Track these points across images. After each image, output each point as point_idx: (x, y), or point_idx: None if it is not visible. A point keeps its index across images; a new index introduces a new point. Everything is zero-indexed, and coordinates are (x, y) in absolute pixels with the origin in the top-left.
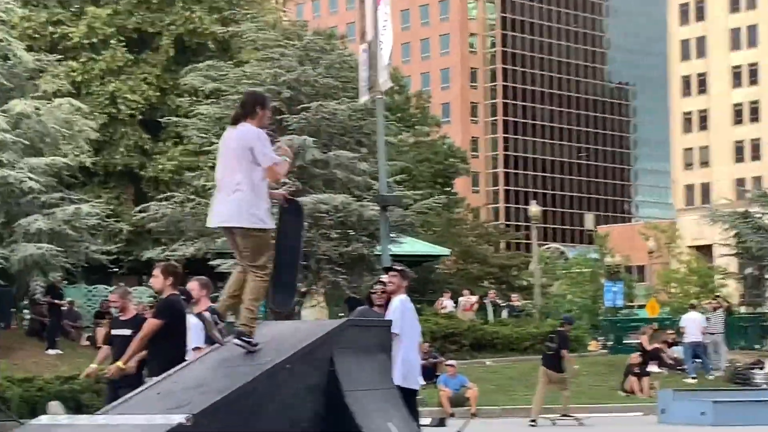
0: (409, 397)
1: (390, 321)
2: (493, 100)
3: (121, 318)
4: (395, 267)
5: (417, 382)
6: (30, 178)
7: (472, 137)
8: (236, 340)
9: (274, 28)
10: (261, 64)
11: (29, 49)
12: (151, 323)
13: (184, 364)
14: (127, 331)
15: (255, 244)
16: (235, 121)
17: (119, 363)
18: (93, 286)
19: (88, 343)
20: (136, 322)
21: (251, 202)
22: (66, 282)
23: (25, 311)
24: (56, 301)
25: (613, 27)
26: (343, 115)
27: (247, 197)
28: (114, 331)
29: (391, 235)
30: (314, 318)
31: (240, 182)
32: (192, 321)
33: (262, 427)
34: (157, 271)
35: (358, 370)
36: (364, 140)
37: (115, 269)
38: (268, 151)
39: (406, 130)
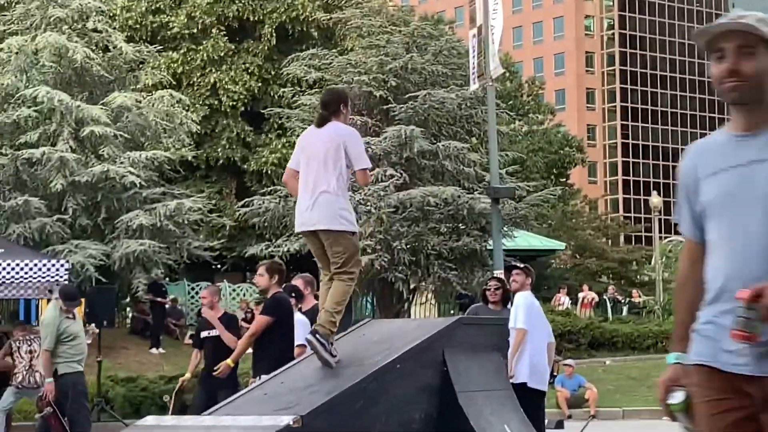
0: (536, 398)
1: (504, 319)
2: (611, 86)
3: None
4: (518, 265)
5: (544, 382)
6: (131, 173)
7: (589, 125)
8: (310, 336)
9: (380, 14)
10: (366, 51)
11: (129, 39)
12: (261, 320)
13: (291, 363)
14: (215, 332)
15: (345, 247)
16: (322, 122)
17: (229, 361)
18: (196, 283)
19: (191, 341)
20: (224, 321)
21: (341, 205)
22: (168, 279)
23: (128, 309)
24: (159, 298)
25: (739, 4)
26: (452, 104)
27: (337, 199)
28: (203, 333)
29: (504, 228)
30: (424, 316)
31: (330, 184)
32: (298, 318)
33: (371, 428)
34: (262, 270)
35: (472, 370)
36: (474, 130)
37: (217, 266)
38: (364, 153)
39: (519, 118)
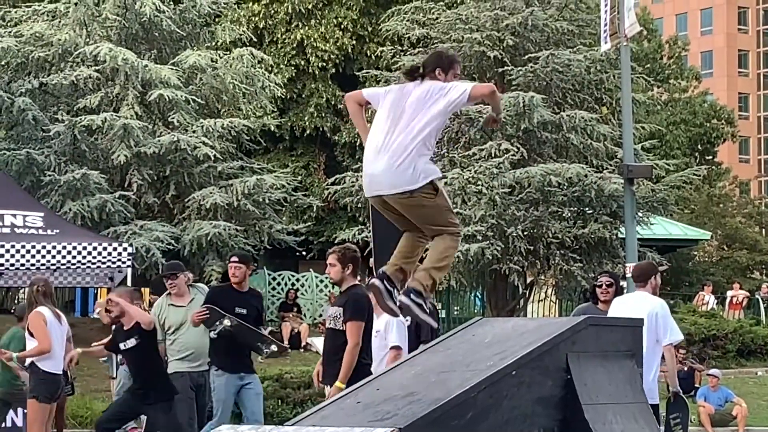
0: None
1: (641, 321)
2: None
3: (125, 327)
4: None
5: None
6: (204, 144)
7: (741, 93)
8: (403, 297)
9: None
10: (479, 5)
11: None
12: (356, 328)
13: (389, 367)
14: (132, 342)
15: (436, 203)
16: (412, 75)
17: (338, 383)
18: (277, 272)
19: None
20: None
21: (426, 161)
22: None
23: None
24: None
25: None
26: (579, 67)
27: (423, 158)
28: (121, 345)
29: (638, 214)
30: (543, 314)
31: (417, 141)
32: (394, 319)
33: None
34: (332, 259)
35: (600, 380)
36: (605, 98)
37: (302, 252)
38: (460, 84)
39: (658, 85)
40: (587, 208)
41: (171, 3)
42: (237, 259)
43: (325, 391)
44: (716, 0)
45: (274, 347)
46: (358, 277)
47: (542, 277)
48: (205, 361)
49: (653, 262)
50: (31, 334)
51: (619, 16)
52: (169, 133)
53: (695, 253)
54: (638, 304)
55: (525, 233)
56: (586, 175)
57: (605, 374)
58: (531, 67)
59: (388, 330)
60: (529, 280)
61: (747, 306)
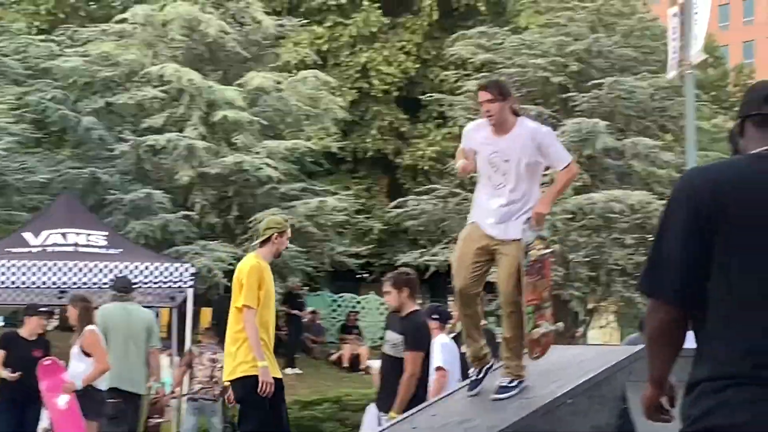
0: None
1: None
2: None
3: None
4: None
5: None
6: (268, 165)
7: None
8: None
9: None
10: (543, 30)
11: (266, 11)
12: (416, 358)
13: (446, 393)
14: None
15: None
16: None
17: (392, 413)
18: (339, 295)
19: (334, 361)
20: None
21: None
22: (307, 288)
23: None
24: (296, 311)
25: None
26: (643, 94)
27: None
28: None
29: None
30: (603, 341)
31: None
32: (442, 342)
33: None
34: (387, 286)
35: None
36: (668, 125)
37: (364, 275)
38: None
39: (723, 112)
40: (649, 236)
41: (237, 24)
42: None
43: (380, 418)
44: None
45: None
46: (419, 301)
47: (603, 304)
48: None
49: None
50: (87, 354)
51: (685, 43)
52: (232, 154)
53: None
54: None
55: (587, 260)
56: (649, 203)
57: None
58: (595, 93)
59: (432, 351)
60: (590, 306)
61: None
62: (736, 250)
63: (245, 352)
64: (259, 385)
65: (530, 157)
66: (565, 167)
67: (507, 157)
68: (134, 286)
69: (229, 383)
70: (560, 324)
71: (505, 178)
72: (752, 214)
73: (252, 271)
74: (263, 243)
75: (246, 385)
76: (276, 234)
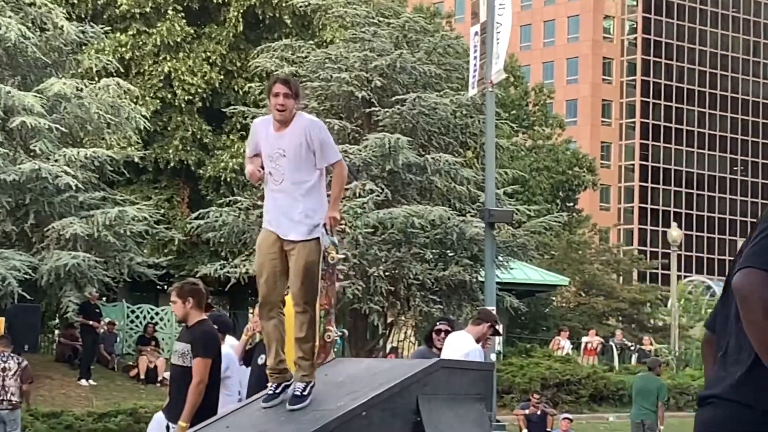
0: None
1: (492, 365)
2: (631, 99)
3: None
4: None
5: None
6: (66, 173)
7: (603, 142)
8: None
9: (367, 2)
10: (348, 45)
11: (71, 17)
12: (203, 365)
13: (241, 405)
14: None
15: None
16: None
17: (182, 423)
18: (137, 306)
19: (132, 373)
20: None
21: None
22: (104, 299)
23: (55, 332)
24: (92, 321)
25: None
26: (445, 111)
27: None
28: None
29: (498, 258)
30: (402, 355)
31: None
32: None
33: None
34: (173, 296)
35: (450, 422)
36: (469, 142)
37: (163, 286)
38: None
39: (522, 131)
40: (449, 251)
41: (37, 29)
42: None
43: (170, 429)
44: (582, 50)
45: None
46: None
47: (402, 318)
48: None
49: (495, 316)
50: None
51: (487, 61)
52: (30, 161)
53: (553, 298)
54: (459, 342)
55: (386, 274)
56: (448, 218)
57: (455, 417)
58: (398, 108)
59: None
60: (389, 320)
61: (601, 352)
62: None
63: None
64: None
65: (307, 150)
66: (335, 162)
67: (285, 152)
68: None
69: None
70: (345, 330)
71: (283, 174)
72: None
73: None
74: None
75: None
76: None
